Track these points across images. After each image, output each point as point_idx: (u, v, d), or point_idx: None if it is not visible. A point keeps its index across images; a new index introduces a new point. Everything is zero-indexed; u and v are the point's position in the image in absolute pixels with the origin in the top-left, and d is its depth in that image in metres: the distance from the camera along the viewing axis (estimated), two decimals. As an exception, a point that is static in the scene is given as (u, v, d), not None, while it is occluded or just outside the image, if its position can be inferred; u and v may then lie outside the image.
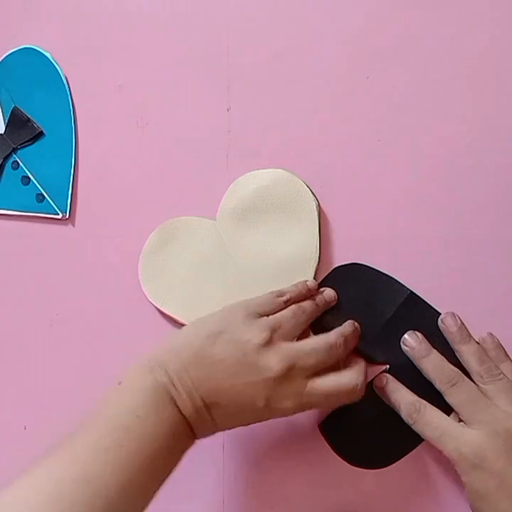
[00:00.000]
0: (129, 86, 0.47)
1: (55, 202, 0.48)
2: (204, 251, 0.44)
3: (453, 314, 0.40)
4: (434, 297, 0.41)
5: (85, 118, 0.48)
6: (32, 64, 0.49)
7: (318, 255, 0.42)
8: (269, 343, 0.35)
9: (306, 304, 0.39)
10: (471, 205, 0.41)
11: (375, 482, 0.41)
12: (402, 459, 0.41)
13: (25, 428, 0.48)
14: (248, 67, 0.45)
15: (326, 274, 0.43)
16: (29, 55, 0.49)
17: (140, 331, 0.46)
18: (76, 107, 0.48)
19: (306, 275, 0.42)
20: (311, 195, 0.43)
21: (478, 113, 0.41)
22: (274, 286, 0.39)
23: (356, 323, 0.40)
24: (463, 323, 0.39)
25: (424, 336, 0.39)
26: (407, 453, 0.40)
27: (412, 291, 0.41)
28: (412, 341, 0.39)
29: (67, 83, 0.48)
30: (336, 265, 0.43)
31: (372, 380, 0.40)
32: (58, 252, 0.48)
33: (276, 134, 0.44)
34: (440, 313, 0.40)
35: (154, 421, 0.32)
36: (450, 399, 0.37)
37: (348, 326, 0.39)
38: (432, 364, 0.38)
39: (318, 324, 0.40)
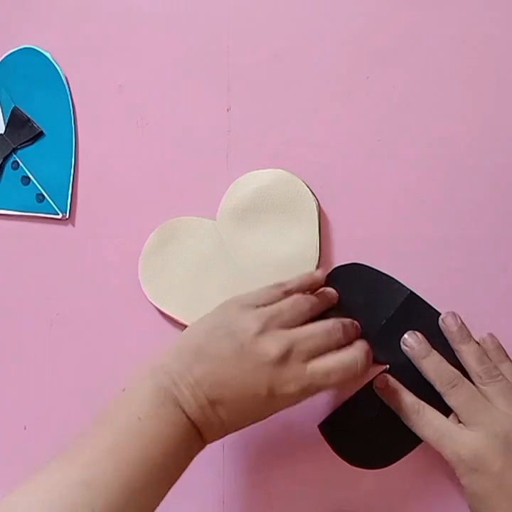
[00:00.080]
0: (129, 86, 0.47)
1: (55, 202, 0.48)
2: (204, 251, 0.44)
3: (453, 314, 0.40)
4: (434, 297, 0.41)
5: (85, 118, 0.48)
6: (32, 64, 0.49)
7: (318, 255, 0.42)
8: (264, 330, 0.34)
9: (308, 295, 0.38)
10: (471, 205, 0.41)
11: (375, 482, 0.41)
12: (402, 459, 0.41)
13: (25, 428, 0.49)
14: (248, 67, 0.45)
15: (326, 274, 0.43)
16: (29, 55, 0.49)
17: (140, 331, 0.46)
18: (76, 107, 0.48)
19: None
20: (311, 195, 0.43)
21: (478, 113, 0.41)
22: (274, 286, 0.39)
23: (356, 322, 0.40)
24: (463, 323, 0.39)
25: (424, 336, 0.39)
26: (407, 453, 0.40)
27: (412, 291, 0.41)
28: (412, 341, 0.39)
29: (67, 83, 0.48)
30: (336, 265, 0.43)
31: (373, 380, 0.40)
32: (58, 252, 0.48)
33: (276, 134, 0.44)
34: (440, 313, 0.40)
35: (155, 422, 0.32)
36: (449, 400, 0.37)
37: (346, 319, 0.38)
38: (432, 365, 0.38)
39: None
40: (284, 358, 0.34)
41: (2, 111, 0.50)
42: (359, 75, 0.43)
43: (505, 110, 0.41)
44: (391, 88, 0.43)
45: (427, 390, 0.38)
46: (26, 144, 0.49)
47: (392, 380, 0.40)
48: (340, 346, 0.36)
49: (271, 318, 0.35)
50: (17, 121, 0.49)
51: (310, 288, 0.40)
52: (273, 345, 0.34)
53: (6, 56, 0.49)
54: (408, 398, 0.39)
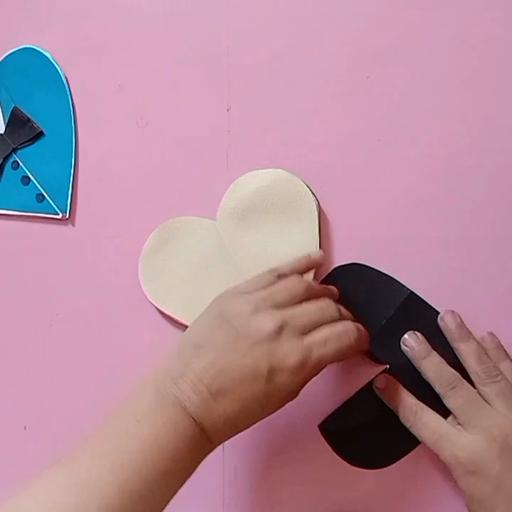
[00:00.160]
0: (129, 86, 0.47)
1: (55, 202, 0.48)
2: (204, 251, 0.44)
3: (452, 312, 0.39)
4: (434, 297, 0.41)
5: (85, 118, 0.48)
6: (32, 64, 0.49)
7: (318, 255, 0.42)
8: (257, 311, 0.34)
9: (304, 279, 0.38)
10: (471, 205, 0.41)
11: (375, 482, 0.41)
12: (402, 459, 0.41)
13: (25, 428, 0.48)
14: (248, 67, 0.45)
15: (326, 274, 0.43)
16: (29, 55, 0.49)
17: (140, 331, 0.46)
18: (76, 107, 0.48)
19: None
20: (311, 195, 0.43)
21: (478, 113, 0.41)
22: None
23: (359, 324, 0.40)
24: (462, 321, 0.39)
25: (424, 336, 0.39)
26: (407, 453, 0.40)
27: (412, 291, 0.41)
28: (412, 342, 0.39)
29: (67, 83, 0.48)
30: (336, 265, 0.43)
31: (373, 380, 0.40)
32: (58, 252, 0.48)
33: (276, 134, 0.44)
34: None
35: (153, 422, 0.31)
36: (448, 402, 0.37)
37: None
38: (432, 365, 0.38)
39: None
40: (279, 332, 0.33)
41: (2, 111, 0.50)
42: (359, 75, 0.43)
43: (505, 110, 0.41)
44: (391, 88, 0.43)
45: (427, 391, 0.38)
46: (26, 144, 0.49)
47: (392, 381, 0.40)
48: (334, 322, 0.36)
49: (263, 299, 0.35)
50: (17, 121, 0.49)
51: (307, 270, 0.39)
52: (267, 321, 0.33)
53: (6, 56, 0.49)
54: (407, 399, 0.38)
